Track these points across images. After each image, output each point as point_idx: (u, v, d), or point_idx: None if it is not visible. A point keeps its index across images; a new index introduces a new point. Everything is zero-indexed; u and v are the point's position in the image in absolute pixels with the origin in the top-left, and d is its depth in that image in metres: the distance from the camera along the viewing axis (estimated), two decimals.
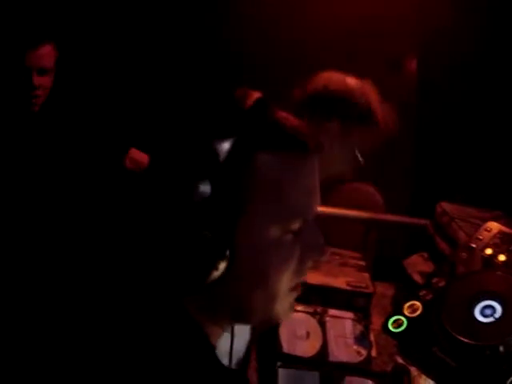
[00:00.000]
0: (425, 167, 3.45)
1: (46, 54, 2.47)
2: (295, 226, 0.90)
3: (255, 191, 0.87)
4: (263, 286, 0.90)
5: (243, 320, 0.96)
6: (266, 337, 1.89)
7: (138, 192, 0.93)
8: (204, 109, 0.91)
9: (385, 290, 2.37)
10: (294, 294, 0.97)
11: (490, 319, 1.38)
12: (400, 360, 1.94)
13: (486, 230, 1.59)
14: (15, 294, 2.29)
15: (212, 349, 0.94)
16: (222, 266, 0.85)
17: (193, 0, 3.49)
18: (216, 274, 0.86)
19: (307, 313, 1.92)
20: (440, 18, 3.34)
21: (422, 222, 2.42)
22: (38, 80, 2.44)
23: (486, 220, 1.88)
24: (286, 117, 0.90)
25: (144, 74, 3.35)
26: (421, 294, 1.53)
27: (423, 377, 1.88)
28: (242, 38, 3.37)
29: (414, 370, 1.89)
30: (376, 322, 2.08)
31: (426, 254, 2.20)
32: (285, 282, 0.92)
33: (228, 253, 0.86)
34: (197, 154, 0.85)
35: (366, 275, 2.24)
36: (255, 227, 0.88)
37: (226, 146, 0.85)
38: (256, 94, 0.91)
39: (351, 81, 2.38)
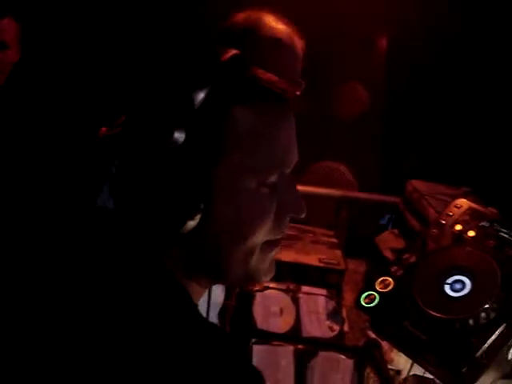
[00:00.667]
0: (394, 144, 3.48)
1: (5, 26, 2.41)
2: (272, 178, 0.88)
3: (231, 142, 0.86)
4: (239, 240, 0.88)
5: (222, 276, 0.93)
6: (239, 314, 1.90)
7: (113, 141, 0.92)
8: (182, 59, 0.90)
9: (357, 266, 2.40)
10: (273, 251, 0.94)
11: (460, 293, 1.40)
12: (372, 335, 1.97)
13: (455, 207, 1.61)
14: None
15: (194, 306, 0.94)
16: (197, 216, 0.84)
17: None
18: (191, 223, 0.84)
19: (280, 290, 1.94)
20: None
21: (393, 199, 2.46)
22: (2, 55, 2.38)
23: (455, 197, 1.91)
24: (262, 71, 0.90)
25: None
26: (392, 269, 1.55)
27: (394, 351, 1.91)
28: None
29: (385, 344, 1.92)
30: (348, 297, 2.12)
31: (396, 231, 2.23)
32: (261, 236, 0.89)
33: (203, 203, 0.85)
34: (172, 101, 0.85)
35: (338, 252, 2.27)
36: (231, 179, 0.86)
37: (201, 95, 0.84)
38: (234, 51, 0.91)
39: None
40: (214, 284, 0.99)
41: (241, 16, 1.49)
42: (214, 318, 1.59)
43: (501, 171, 2.97)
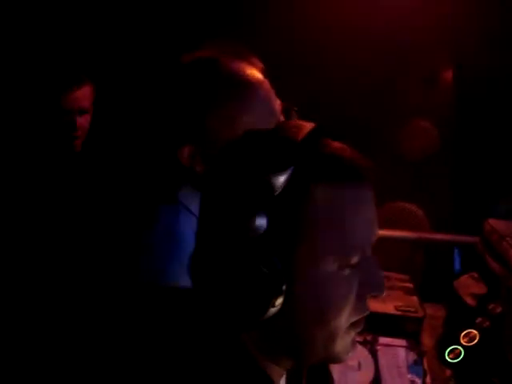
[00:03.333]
0: (466, 181, 3.39)
1: (86, 94, 2.50)
2: (354, 259, 0.86)
3: (313, 224, 0.83)
4: (321, 323, 0.86)
5: (302, 358, 0.91)
6: (315, 370, 1.84)
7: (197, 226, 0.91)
8: (258, 142, 0.88)
9: (434, 311, 2.30)
10: (355, 332, 0.93)
11: None
12: None
13: None
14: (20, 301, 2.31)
15: None
16: (279, 301, 0.83)
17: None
18: (272, 310, 0.83)
19: (357, 342, 1.86)
20: (474, 29, 3.30)
21: (471, 239, 2.36)
22: (79, 121, 2.48)
23: None
24: (340, 147, 0.87)
25: None
26: (477, 321, 1.47)
27: None
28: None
29: None
30: (427, 344, 2.02)
31: (476, 274, 2.12)
32: (344, 319, 0.87)
33: (285, 288, 0.82)
34: (252, 187, 0.82)
35: (415, 298, 2.18)
36: (313, 261, 0.85)
37: (281, 179, 0.82)
38: (309, 125, 0.88)
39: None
40: (295, 365, 0.95)
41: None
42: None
43: None
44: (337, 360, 0.92)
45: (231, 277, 0.83)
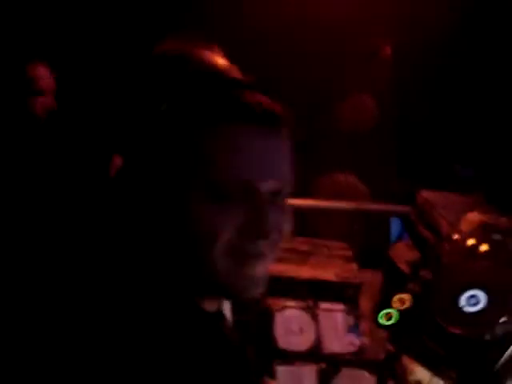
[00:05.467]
0: (405, 153, 3.50)
1: (41, 73, 2.54)
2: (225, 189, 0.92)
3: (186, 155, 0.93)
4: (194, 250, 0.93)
5: (217, 288, 0.96)
6: (259, 333, 1.94)
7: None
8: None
9: (373, 277, 2.42)
10: (247, 266, 0.96)
11: (476, 308, 1.44)
12: (391, 347, 2.01)
13: (467, 221, 1.65)
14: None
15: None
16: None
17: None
18: None
19: (299, 308, 1.97)
20: (413, 5, 3.39)
21: (405, 209, 2.47)
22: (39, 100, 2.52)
23: (466, 206, 1.94)
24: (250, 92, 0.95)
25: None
26: (409, 286, 1.59)
27: (415, 363, 1.95)
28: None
29: (405, 358, 1.96)
30: (365, 308, 2.14)
31: (410, 242, 2.25)
32: (220, 245, 0.92)
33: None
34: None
35: (354, 265, 2.30)
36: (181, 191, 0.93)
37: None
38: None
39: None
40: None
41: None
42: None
43: None
44: (240, 293, 0.96)
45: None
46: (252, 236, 0.92)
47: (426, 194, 2.28)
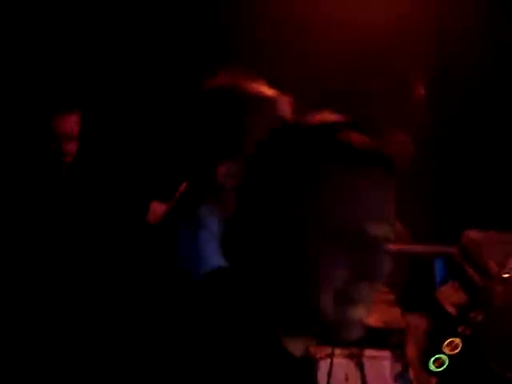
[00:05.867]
0: (445, 192, 3.43)
1: (74, 121, 2.57)
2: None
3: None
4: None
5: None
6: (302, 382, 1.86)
7: None
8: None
9: (417, 320, 2.34)
10: (350, 309, 0.97)
11: None
12: None
13: None
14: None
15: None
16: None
17: None
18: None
19: (344, 356, 1.89)
20: (450, 37, 3.36)
21: (450, 250, 2.40)
22: (66, 147, 2.54)
23: None
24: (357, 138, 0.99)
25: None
26: (460, 330, 1.51)
27: None
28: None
29: None
30: (411, 354, 2.05)
31: (456, 284, 2.17)
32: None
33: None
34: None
35: (397, 310, 2.22)
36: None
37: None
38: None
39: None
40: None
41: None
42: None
43: None
44: (338, 333, 0.97)
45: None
46: (362, 278, 0.94)
47: (471, 234, 2.21)
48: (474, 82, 3.49)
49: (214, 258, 1.27)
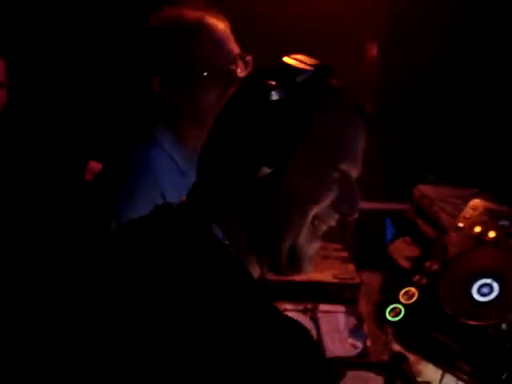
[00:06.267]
0: (394, 151, 3.45)
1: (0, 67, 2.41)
2: (342, 166, 1.02)
3: (317, 133, 1.01)
4: (302, 204, 0.99)
5: (275, 241, 1.01)
6: None
7: None
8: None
9: (371, 278, 2.34)
10: (318, 239, 1.05)
11: (489, 297, 1.36)
12: (396, 348, 1.92)
13: (472, 209, 1.58)
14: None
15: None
16: (272, 164, 0.97)
17: None
18: (265, 170, 0.97)
19: (298, 311, 1.88)
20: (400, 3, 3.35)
21: (401, 206, 2.40)
22: None
23: (465, 198, 1.87)
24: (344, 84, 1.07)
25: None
26: (415, 279, 1.51)
27: (422, 362, 1.86)
28: None
29: (411, 357, 1.87)
30: (365, 311, 2.06)
31: (408, 239, 2.18)
32: (319, 209, 1.00)
33: (278, 161, 0.97)
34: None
35: (351, 266, 2.22)
36: (313, 151, 1.00)
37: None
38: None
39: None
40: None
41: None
42: None
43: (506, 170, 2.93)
44: (299, 262, 1.03)
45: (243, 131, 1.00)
46: (349, 210, 1.04)
47: (423, 189, 2.21)
48: (425, 43, 3.48)
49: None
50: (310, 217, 1.00)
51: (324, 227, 1.04)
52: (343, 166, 1.03)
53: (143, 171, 1.49)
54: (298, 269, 1.04)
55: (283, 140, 0.98)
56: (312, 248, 1.03)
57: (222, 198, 1.00)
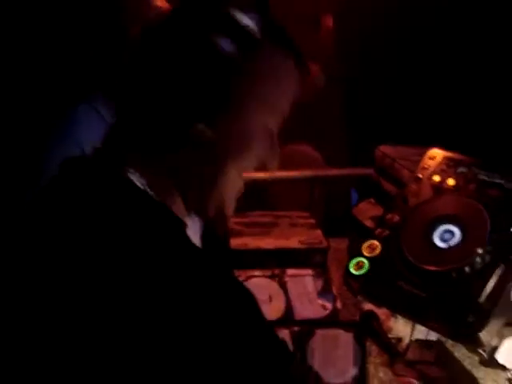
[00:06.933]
0: (354, 118, 3.45)
1: None
2: (270, 121, 1.02)
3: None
4: (236, 153, 0.98)
5: (203, 197, 0.99)
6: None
7: None
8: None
9: (339, 244, 2.34)
10: (241, 186, 1.05)
11: (451, 243, 1.36)
12: (366, 307, 1.91)
13: (430, 158, 1.57)
14: None
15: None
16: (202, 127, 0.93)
17: None
18: (200, 127, 0.92)
19: (266, 276, 1.87)
20: None
21: (365, 171, 2.40)
22: None
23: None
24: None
25: None
26: (377, 232, 1.50)
27: (392, 319, 1.85)
28: None
29: (382, 314, 1.86)
30: (335, 276, 2.05)
31: (373, 200, 2.17)
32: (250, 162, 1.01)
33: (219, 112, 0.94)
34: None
35: (318, 232, 2.21)
36: (246, 103, 0.97)
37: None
38: None
39: None
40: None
41: None
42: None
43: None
44: (224, 204, 1.02)
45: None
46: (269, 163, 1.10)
47: (384, 149, 2.21)
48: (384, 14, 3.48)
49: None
50: (239, 169, 1.00)
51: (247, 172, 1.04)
52: (271, 121, 1.02)
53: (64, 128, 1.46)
54: (223, 214, 1.03)
55: (216, 95, 0.94)
56: (236, 193, 1.04)
57: (145, 146, 0.95)
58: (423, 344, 1.78)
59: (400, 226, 1.44)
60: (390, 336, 1.82)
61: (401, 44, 3.53)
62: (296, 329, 1.58)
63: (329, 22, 3.57)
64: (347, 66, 3.46)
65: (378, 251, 1.45)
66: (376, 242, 1.47)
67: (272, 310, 1.77)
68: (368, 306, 1.90)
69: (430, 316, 1.35)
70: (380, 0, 3.47)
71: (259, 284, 1.82)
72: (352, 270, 1.44)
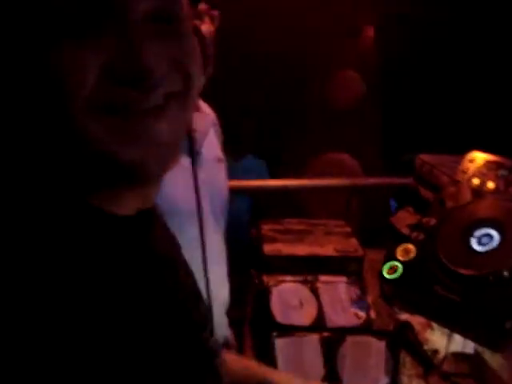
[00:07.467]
0: (393, 128, 3.41)
1: None
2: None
3: None
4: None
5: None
6: (257, 313, 1.79)
7: None
8: None
9: (376, 255, 2.28)
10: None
11: (489, 247, 1.30)
12: (401, 317, 1.86)
13: (469, 162, 1.51)
14: None
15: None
16: None
17: None
18: None
19: (297, 282, 1.82)
20: None
21: (405, 180, 2.35)
22: None
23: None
24: None
25: None
26: (412, 235, 1.44)
27: (428, 330, 1.79)
28: None
29: (417, 325, 1.80)
30: (371, 286, 1.99)
31: (411, 208, 2.11)
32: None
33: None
34: None
35: (354, 240, 2.16)
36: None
37: None
38: None
39: None
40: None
41: None
42: (220, 316, 1.47)
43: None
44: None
45: None
46: (124, 76, 0.65)
47: (424, 157, 2.15)
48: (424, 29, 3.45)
49: None
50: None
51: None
52: None
53: None
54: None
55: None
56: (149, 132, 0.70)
57: None
58: (459, 356, 1.71)
59: (436, 229, 1.39)
60: (425, 348, 1.76)
61: (438, 54, 3.49)
62: (326, 334, 1.54)
63: (369, 32, 3.54)
64: (386, 75, 3.42)
65: (412, 255, 1.39)
66: (410, 246, 1.41)
67: (303, 315, 1.72)
68: (404, 317, 1.84)
69: (466, 322, 1.29)
70: (418, 12, 3.44)
71: (290, 289, 1.78)
72: (385, 274, 1.39)
